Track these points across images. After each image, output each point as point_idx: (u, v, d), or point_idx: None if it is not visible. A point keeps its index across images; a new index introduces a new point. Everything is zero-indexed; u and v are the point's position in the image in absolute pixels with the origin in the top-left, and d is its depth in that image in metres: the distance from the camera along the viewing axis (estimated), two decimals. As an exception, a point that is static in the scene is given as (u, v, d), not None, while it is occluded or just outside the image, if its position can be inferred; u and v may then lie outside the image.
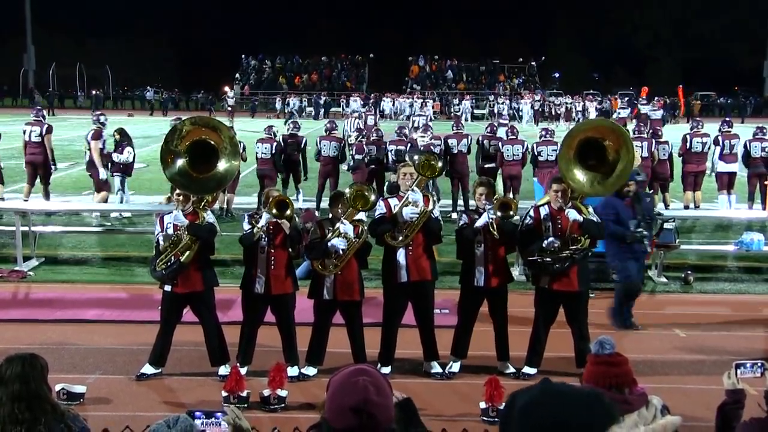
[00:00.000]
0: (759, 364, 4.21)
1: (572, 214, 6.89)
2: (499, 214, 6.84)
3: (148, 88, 58.95)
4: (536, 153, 14.00)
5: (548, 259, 6.90)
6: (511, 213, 6.89)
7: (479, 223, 6.97)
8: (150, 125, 35.97)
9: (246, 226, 6.96)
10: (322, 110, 48.30)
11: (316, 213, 12.43)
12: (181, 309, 7.08)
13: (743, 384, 4.20)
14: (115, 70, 64.51)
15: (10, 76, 61.28)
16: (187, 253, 6.79)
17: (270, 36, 66.73)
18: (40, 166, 14.68)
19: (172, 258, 6.80)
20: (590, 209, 7.15)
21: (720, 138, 14.88)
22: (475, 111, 48.24)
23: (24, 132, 14.76)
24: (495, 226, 6.90)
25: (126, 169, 14.43)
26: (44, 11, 58.78)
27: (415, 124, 24.63)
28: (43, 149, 14.62)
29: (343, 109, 47.29)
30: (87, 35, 69.30)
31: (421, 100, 47.27)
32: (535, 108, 44.05)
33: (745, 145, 14.75)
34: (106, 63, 63.06)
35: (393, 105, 49.36)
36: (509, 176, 14.31)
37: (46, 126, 14.78)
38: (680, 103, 46.79)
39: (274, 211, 6.70)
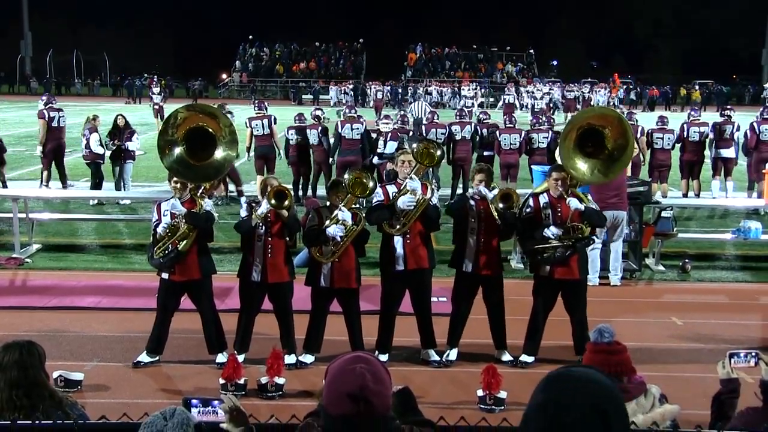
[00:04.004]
0: (753, 354, 4.20)
1: (573, 203, 6.87)
2: (501, 206, 6.83)
3: (146, 75, 58.66)
4: (528, 140, 14.02)
5: (549, 248, 6.89)
6: (513, 204, 6.87)
7: (469, 192, 7.00)
8: (146, 113, 35.78)
9: (244, 213, 6.94)
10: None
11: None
12: (179, 297, 7.07)
13: (739, 373, 4.20)
14: (113, 57, 64.28)
15: (7, 62, 61.07)
16: (185, 241, 6.76)
17: (268, 23, 66.52)
18: (59, 151, 14.84)
19: (170, 246, 6.78)
20: (590, 197, 7.12)
21: (714, 124, 14.82)
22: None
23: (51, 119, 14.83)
24: (484, 202, 6.92)
25: (132, 156, 14.48)
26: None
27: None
28: (64, 135, 14.83)
29: (340, 99, 47.03)
30: (84, 22, 68.99)
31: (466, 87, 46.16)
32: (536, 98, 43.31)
33: (752, 128, 14.48)
34: (104, 50, 62.83)
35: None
36: (507, 165, 14.32)
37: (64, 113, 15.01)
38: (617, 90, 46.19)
39: (273, 201, 6.67)
